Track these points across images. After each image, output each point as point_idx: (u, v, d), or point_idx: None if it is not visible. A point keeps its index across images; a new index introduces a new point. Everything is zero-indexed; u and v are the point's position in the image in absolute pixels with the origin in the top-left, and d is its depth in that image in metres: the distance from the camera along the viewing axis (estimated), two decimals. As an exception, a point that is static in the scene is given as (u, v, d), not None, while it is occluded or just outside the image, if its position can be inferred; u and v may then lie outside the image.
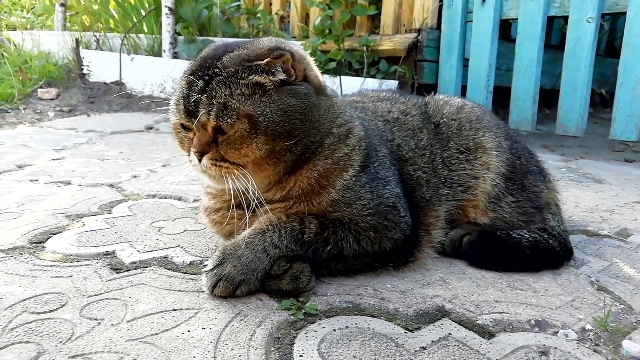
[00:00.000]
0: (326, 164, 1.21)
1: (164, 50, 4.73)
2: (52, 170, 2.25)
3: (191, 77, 1.13)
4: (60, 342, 0.91)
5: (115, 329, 0.96)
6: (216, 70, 1.11)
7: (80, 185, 2.00)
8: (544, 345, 0.98)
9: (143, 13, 5.03)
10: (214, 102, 1.09)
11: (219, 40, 4.57)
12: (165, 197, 1.88)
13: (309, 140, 1.19)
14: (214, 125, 1.11)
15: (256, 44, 1.17)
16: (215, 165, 1.13)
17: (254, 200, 1.14)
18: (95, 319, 0.99)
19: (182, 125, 1.18)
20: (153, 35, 4.94)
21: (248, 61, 1.11)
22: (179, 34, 4.73)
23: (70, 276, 1.18)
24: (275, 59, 1.10)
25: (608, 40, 5.37)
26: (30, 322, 0.97)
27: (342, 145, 1.24)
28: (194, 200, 1.83)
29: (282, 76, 1.12)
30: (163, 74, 4.51)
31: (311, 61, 1.25)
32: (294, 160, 1.18)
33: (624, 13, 3.00)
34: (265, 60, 1.10)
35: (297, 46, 1.21)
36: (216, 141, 1.13)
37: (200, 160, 1.14)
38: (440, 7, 3.85)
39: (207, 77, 1.11)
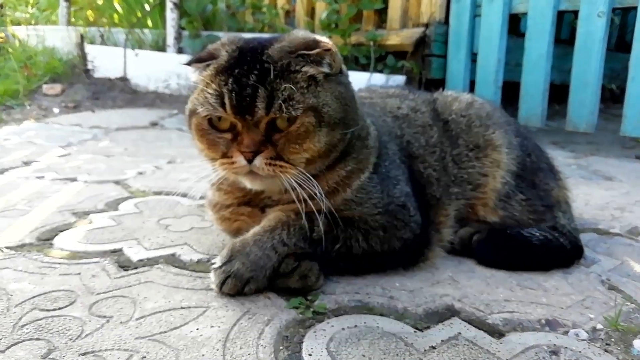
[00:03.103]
0: (353, 165, 1.21)
1: (169, 46, 4.73)
2: (58, 166, 2.26)
3: (236, 70, 1.07)
4: (70, 339, 0.91)
5: (124, 326, 0.96)
6: (266, 64, 1.06)
7: (86, 182, 2.00)
8: (555, 344, 0.97)
9: (147, 8, 5.02)
10: (278, 95, 1.04)
11: (224, 36, 4.56)
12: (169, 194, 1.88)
13: (353, 132, 1.18)
14: (270, 120, 1.06)
15: (294, 36, 1.14)
16: (270, 164, 1.06)
17: (317, 195, 1.09)
18: (104, 317, 0.99)
19: (213, 126, 1.10)
20: (158, 30, 4.93)
21: (293, 52, 1.08)
22: (183, 28, 4.72)
23: (78, 273, 1.18)
24: (325, 50, 1.09)
25: (618, 35, 5.31)
26: (40, 319, 0.97)
27: (364, 148, 1.24)
28: (201, 198, 1.82)
29: (327, 69, 1.11)
30: (168, 69, 4.51)
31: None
32: (340, 152, 1.17)
33: (635, 7, 2.97)
34: (315, 51, 1.08)
35: (326, 39, 1.19)
36: (268, 140, 1.07)
37: (251, 161, 1.06)
38: (449, 1, 3.82)
39: (258, 70, 1.05)
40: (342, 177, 1.20)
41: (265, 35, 1.26)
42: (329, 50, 1.10)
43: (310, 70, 1.08)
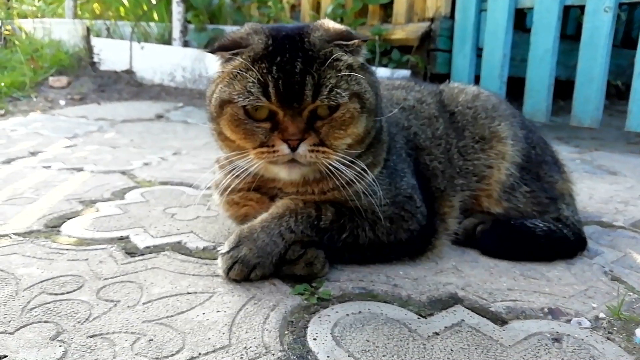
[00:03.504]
0: (370, 159, 1.23)
1: (175, 39, 4.73)
2: (65, 157, 2.27)
3: (278, 58, 1.06)
4: (79, 322, 0.92)
5: (132, 310, 0.97)
6: (310, 52, 1.07)
7: (92, 172, 2.02)
8: (557, 332, 0.98)
9: (154, 1, 5.02)
10: (325, 82, 1.05)
11: (230, 29, 4.56)
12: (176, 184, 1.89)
13: (380, 121, 1.22)
14: (313, 108, 1.06)
15: (325, 26, 1.15)
16: (314, 151, 1.06)
17: (362, 177, 1.14)
18: (112, 301, 1.00)
19: (249, 116, 1.08)
20: (163, 24, 4.94)
21: (331, 42, 1.10)
22: (189, 22, 4.72)
23: (86, 259, 1.19)
24: (363, 41, 1.12)
25: (625, 31, 5.28)
26: (49, 303, 0.98)
27: (377, 143, 1.25)
28: (207, 188, 1.83)
29: (362, 58, 1.15)
30: (173, 62, 4.52)
31: None
32: (370, 142, 1.20)
33: (642, 2, 2.95)
34: (353, 42, 1.11)
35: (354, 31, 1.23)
36: (310, 127, 1.07)
37: (295, 149, 1.06)
38: (454, -4, 3.81)
39: (302, 59, 1.05)
40: (358, 171, 1.19)
41: (290, 25, 1.26)
42: (365, 41, 1.14)
43: (349, 59, 1.11)
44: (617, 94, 4.98)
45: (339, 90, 1.07)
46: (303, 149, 1.06)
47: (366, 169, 1.14)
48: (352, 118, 1.10)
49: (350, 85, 1.09)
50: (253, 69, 1.06)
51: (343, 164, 1.10)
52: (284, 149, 1.06)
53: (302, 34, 1.11)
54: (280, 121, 1.07)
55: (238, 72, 1.08)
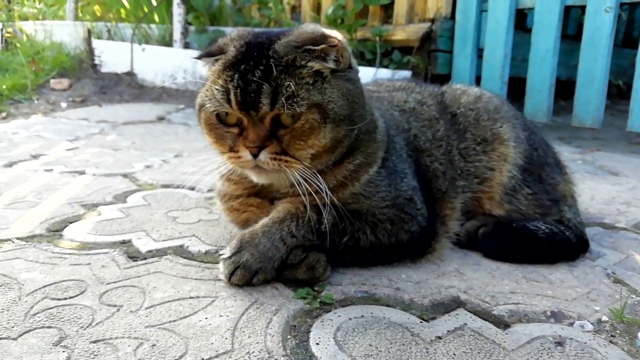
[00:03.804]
0: (361, 159, 1.22)
1: (175, 41, 4.74)
2: (66, 160, 2.28)
3: (242, 66, 1.07)
4: (81, 327, 0.92)
5: (134, 315, 0.97)
6: (272, 59, 1.06)
7: (94, 175, 2.02)
8: (560, 335, 0.98)
9: (154, 3, 5.03)
10: (282, 91, 1.04)
11: (231, 31, 4.57)
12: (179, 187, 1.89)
13: (361, 127, 1.18)
14: (274, 116, 1.06)
15: (303, 30, 1.14)
16: (275, 159, 1.07)
17: (322, 190, 1.10)
18: (115, 306, 1.00)
19: (221, 120, 1.12)
20: (164, 25, 4.95)
21: (300, 48, 1.08)
22: (190, 24, 4.73)
23: (88, 264, 1.19)
24: (331, 46, 1.08)
25: (626, 31, 5.28)
26: (52, 308, 0.98)
27: (372, 142, 1.24)
28: (208, 191, 1.84)
29: (333, 65, 1.10)
30: (174, 64, 4.52)
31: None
32: (347, 147, 1.17)
33: (643, 2, 2.95)
34: (321, 47, 1.07)
35: (337, 33, 1.18)
36: (273, 135, 1.08)
37: (256, 156, 1.07)
38: (455, -4, 3.81)
39: (263, 66, 1.06)
40: (350, 171, 1.20)
41: (276, 30, 1.25)
42: (334, 46, 1.09)
43: (315, 65, 1.08)
44: (618, 93, 4.98)
45: (295, 100, 1.04)
46: (264, 156, 1.07)
47: (323, 185, 1.10)
48: (312, 128, 1.07)
49: (311, 95, 1.06)
50: (222, 75, 1.09)
51: (304, 175, 1.09)
52: (246, 155, 1.08)
53: (273, 40, 1.10)
54: (245, 127, 1.09)
55: (213, 78, 1.11)
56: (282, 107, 1.04)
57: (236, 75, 1.06)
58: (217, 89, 1.08)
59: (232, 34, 1.20)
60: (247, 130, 1.08)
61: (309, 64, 1.08)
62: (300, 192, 1.10)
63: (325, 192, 1.10)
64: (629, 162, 2.81)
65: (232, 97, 1.06)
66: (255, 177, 1.17)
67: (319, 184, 1.09)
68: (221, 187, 1.36)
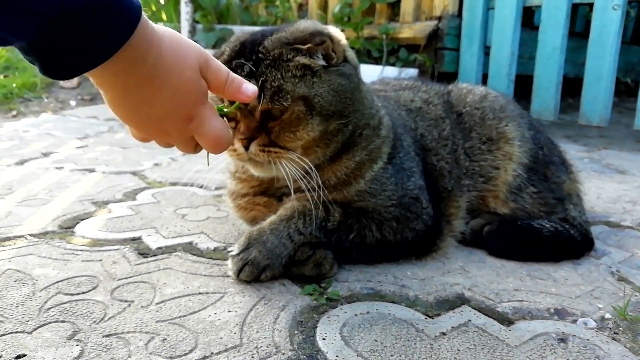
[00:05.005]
0: (362, 155, 1.23)
1: (183, 39, 4.76)
2: (76, 158, 2.31)
3: (233, 62, 1.10)
4: (94, 322, 0.95)
5: (145, 310, 1.00)
6: (260, 54, 1.09)
7: (104, 173, 2.05)
8: (563, 332, 0.99)
9: (162, 1, 5.06)
10: (267, 85, 1.07)
11: (238, 29, 4.58)
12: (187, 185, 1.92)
13: (356, 122, 1.20)
14: (264, 109, 1.09)
15: (296, 27, 1.16)
16: (264, 151, 1.10)
17: (313, 184, 1.12)
18: (126, 301, 1.03)
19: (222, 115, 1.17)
20: (172, 24, 4.97)
21: (289, 44, 1.10)
22: (197, 22, 4.75)
23: (100, 260, 1.22)
24: (317, 45, 1.10)
25: (634, 28, 5.23)
26: (65, 303, 1.01)
27: (375, 137, 1.25)
28: (216, 188, 1.86)
29: (322, 61, 1.11)
30: (183, 62, 4.54)
31: (346, 42, 1.25)
32: (342, 142, 1.19)
33: (651, 0, 2.93)
34: (306, 46, 1.09)
35: (333, 28, 1.21)
36: (264, 127, 1.11)
37: (247, 148, 1.11)
38: (462, -6, 3.80)
39: (252, 61, 1.09)
40: (352, 169, 1.22)
41: (275, 27, 1.27)
42: (322, 43, 1.10)
43: (304, 60, 1.10)
44: (626, 90, 4.94)
45: (281, 94, 1.07)
46: (254, 148, 1.10)
47: (315, 179, 1.12)
48: (299, 121, 1.10)
49: (297, 88, 1.09)
50: None
51: (297, 167, 1.12)
52: (239, 147, 1.11)
53: (265, 37, 1.13)
54: (238, 121, 1.12)
55: None
56: (269, 101, 1.07)
57: None
58: None
59: (232, 37, 1.23)
60: (239, 124, 1.12)
61: (297, 57, 1.09)
62: (302, 186, 1.12)
63: (318, 185, 1.13)
64: (636, 161, 2.80)
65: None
66: (252, 170, 1.21)
67: (311, 180, 1.12)
68: (230, 185, 1.40)
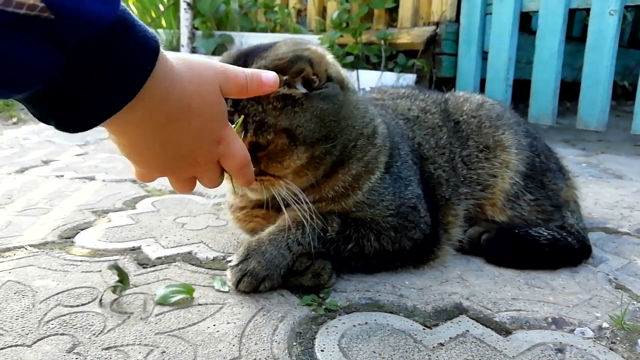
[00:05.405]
0: (358, 167, 1.23)
1: (182, 45, 4.78)
2: (77, 165, 2.32)
3: None
4: (94, 334, 0.95)
5: (145, 322, 1.00)
6: None
7: (104, 181, 2.06)
8: (560, 342, 0.99)
9: (162, 8, 5.08)
10: (249, 120, 1.08)
11: (237, 35, 4.59)
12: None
13: (346, 139, 1.20)
14: (251, 140, 1.10)
15: (274, 53, 1.13)
16: (256, 180, 1.12)
17: (301, 203, 1.14)
18: (125, 313, 1.03)
19: None
20: (171, 30, 4.99)
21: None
22: (197, 28, 4.77)
23: (99, 271, 1.22)
24: (295, 76, 1.08)
25: (632, 31, 5.26)
26: (65, 315, 1.02)
27: (371, 147, 1.26)
28: (215, 197, 1.87)
29: (303, 89, 1.09)
30: (182, 68, 4.55)
31: (330, 56, 1.23)
32: (332, 162, 1.19)
33: (648, 5, 2.95)
34: (285, 78, 1.06)
35: (314, 44, 1.19)
36: (254, 156, 1.11)
37: None
38: (459, 0, 3.82)
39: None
40: (349, 182, 1.22)
41: (260, 47, 1.21)
42: (299, 74, 1.07)
43: (283, 90, 1.07)
44: (624, 94, 4.97)
45: (264, 128, 1.07)
46: None
47: (308, 206, 1.14)
48: (284, 152, 1.11)
49: (279, 122, 1.08)
50: None
51: (289, 192, 1.14)
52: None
53: (246, 63, 1.09)
54: None
55: None
56: (253, 135, 1.08)
57: None
58: None
59: (220, 58, 1.20)
60: None
61: (278, 89, 1.05)
62: (295, 208, 1.15)
63: (308, 209, 1.14)
64: (634, 165, 2.81)
65: None
66: (248, 193, 1.24)
67: (302, 203, 1.13)
68: (228, 198, 1.41)
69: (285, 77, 1.06)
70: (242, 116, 1.05)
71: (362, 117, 1.26)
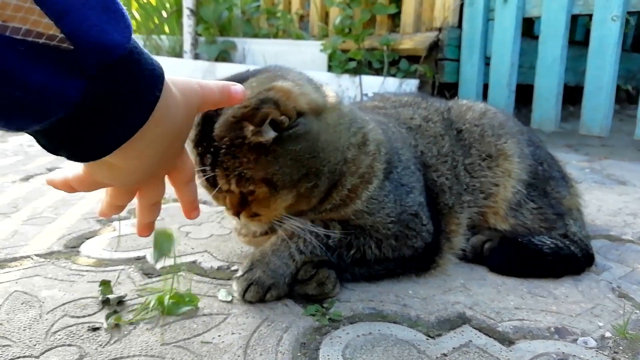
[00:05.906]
0: (354, 180, 1.23)
1: (185, 52, 4.80)
2: (82, 173, 2.33)
3: (198, 149, 1.11)
4: (100, 345, 0.96)
5: (150, 333, 1.01)
6: (215, 142, 1.07)
7: (109, 189, 2.07)
8: (563, 352, 1.00)
9: (165, 15, 5.11)
10: (230, 174, 1.08)
11: (240, 41, 4.61)
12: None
13: (332, 165, 1.18)
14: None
15: (234, 111, 1.05)
16: (253, 220, 1.18)
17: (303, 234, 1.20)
18: (132, 324, 1.04)
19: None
20: (174, 37, 5.02)
21: (237, 123, 1.04)
22: (200, 35, 4.79)
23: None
24: (260, 124, 1.02)
25: (634, 36, 5.26)
26: (71, 326, 1.03)
27: (363, 156, 1.24)
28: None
29: (273, 133, 1.05)
30: (184, 74, 4.51)
31: (301, 81, 1.16)
32: (324, 190, 1.20)
33: (650, 10, 2.95)
34: (251, 129, 1.03)
35: (279, 84, 1.08)
36: (245, 201, 1.16)
37: (238, 217, 1.19)
38: (462, 6, 3.83)
39: (211, 150, 1.08)
40: (346, 195, 1.23)
41: (233, 77, 1.18)
42: (264, 121, 1.02)
43: (253, 139, 1.05)
44: (627, 98, 4.96)
45: (243, 180, 1.09)
46: (242, 219, 1.19)
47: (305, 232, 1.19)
48: (267, 198, 1.13)
49: (255, 173, 1.08)
50: (192, 154, 1.13)
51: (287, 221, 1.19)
52: (232, 217, 1.21)
53: (216, 113, 1.08)
54: None
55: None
56: (235, 188, 1.11)
57: (197, 159, 1.13)
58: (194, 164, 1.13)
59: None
60: (225, 199, 1.18)
61: (246, 140, 1.05)
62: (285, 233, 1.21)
63: (306, 235, 1.19)
64: (637, 171, 2.81)
65: (201, 178, 1.13)
66: (249, 226, 1.31)
67: (303, 232, 1.19)
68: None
69: (251, 129, 1.03)
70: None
71: (348, 130, 1.22)
